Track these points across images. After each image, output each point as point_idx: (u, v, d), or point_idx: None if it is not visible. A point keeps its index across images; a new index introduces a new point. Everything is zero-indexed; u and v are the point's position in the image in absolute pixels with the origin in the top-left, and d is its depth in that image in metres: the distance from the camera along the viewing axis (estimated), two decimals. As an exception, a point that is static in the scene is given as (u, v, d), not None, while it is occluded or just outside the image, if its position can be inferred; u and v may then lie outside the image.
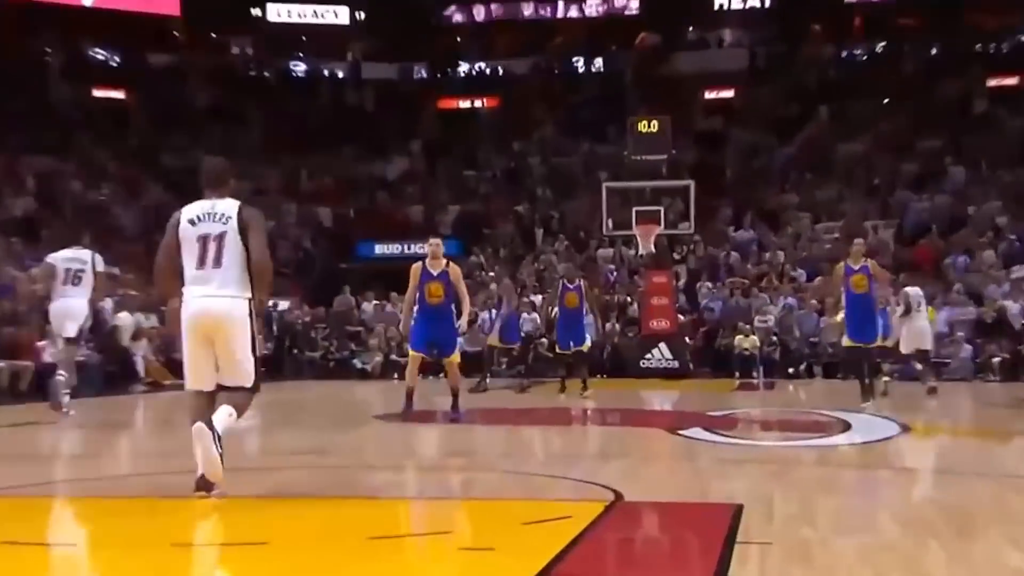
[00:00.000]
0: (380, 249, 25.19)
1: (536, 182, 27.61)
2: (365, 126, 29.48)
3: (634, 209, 18.47)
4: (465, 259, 24.25)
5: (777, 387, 16.06)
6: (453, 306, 9.59)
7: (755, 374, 18.25)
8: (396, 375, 18.85)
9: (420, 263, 9.57)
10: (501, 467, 6.63)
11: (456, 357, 9.52)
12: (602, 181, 21.05)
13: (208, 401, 5.23)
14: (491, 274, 22.31)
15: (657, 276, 18.58)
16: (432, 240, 9.71)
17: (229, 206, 5.40)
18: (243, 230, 5.34)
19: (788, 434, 8.92)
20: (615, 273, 22.26)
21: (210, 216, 5.38)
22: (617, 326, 19.68)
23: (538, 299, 19.69)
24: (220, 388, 5.24)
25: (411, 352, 9.56)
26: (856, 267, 11.11)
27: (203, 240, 5.33)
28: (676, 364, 17.94)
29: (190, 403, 5.28)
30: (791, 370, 17.76)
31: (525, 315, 19.59)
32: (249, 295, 5.33)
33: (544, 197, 26.87)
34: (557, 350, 13.59)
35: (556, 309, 13.35)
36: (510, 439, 8.69)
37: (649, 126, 18.58)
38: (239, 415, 5.21)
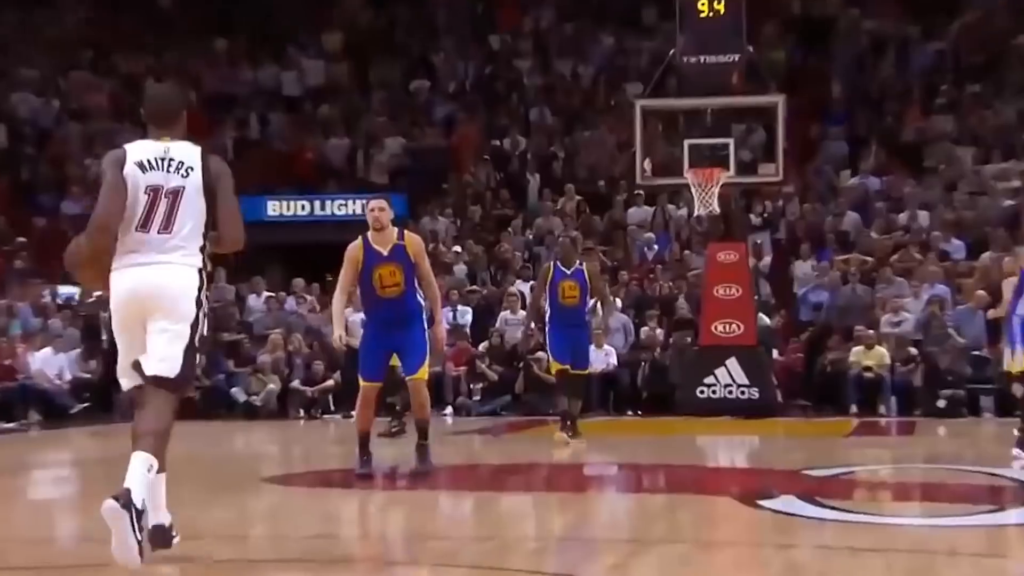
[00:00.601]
0: (275, 208, 25.37)
1: (528, 100, 27.72)
2: (252, 8, 29.42)
3: (686, 143, 18.50)
4: (414, 225, 24.39)
5: (920, 429, 16.13)
6: (418, 299, 9.87)
7: (884, 408, 18.39)
8: (302, 412, 18.96)
9: (360, 240, 9.88)
10: (470, 558, 6.66)
11: (424, 374, 9.82)
12: (634, 98, 21.06)
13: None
14: (457, 250, 22.57)
15: (724, 252, 18.62)
16: (372, 204, 9.93)
17: (189, 153, 6.06)
18: (208, 188, 6.01)
19: (938, 506, 9.14)
20: (655, 248, 22.31)
21: (163, 163, 6.01)
22: (659, 333, 19.77)
23: (528, 288, 19.75)
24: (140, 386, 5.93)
25: (362, 381, 9.83)
26: None
27: (152, 193, 5.98)
28: (756, 393, 18.03)
29: (135, 402, 5.96)
30: (942, 402, 17.83)
31: (509, 315, 19.76)
32: (201, 265, 6.00)
33: (541, 124, 26.96)
34: (554, 366, 13.73)
35: (547, 307, 13.52)
36: (489, 514, 8.75)
37: (712, 8, 18.51)
38: (160, 453, 5.80)
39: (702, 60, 18.47)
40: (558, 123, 26.90)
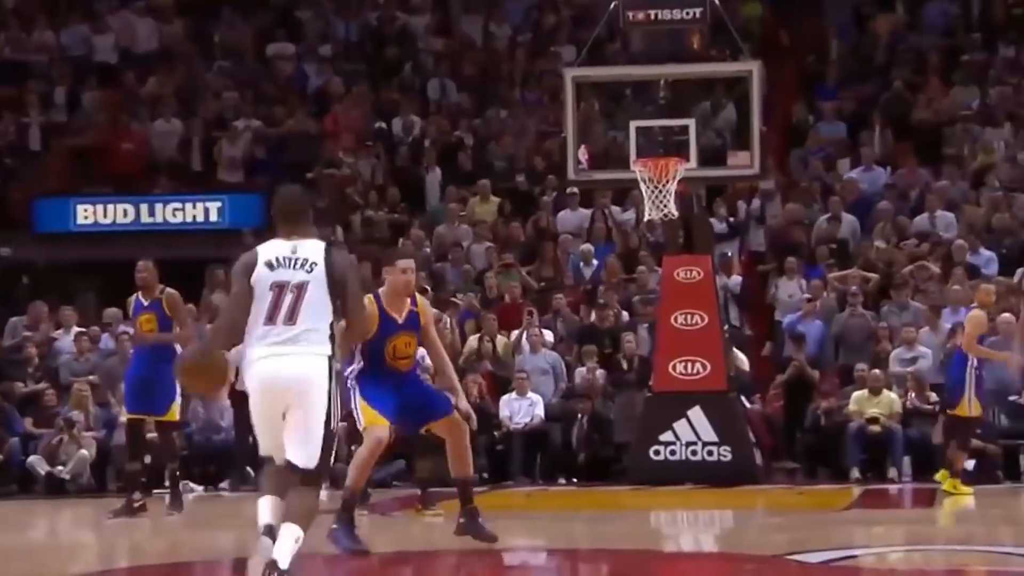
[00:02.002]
0: (87, 214, 25.19)
1: (424, 70, 27.76)
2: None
3: (633, 127, 18.61)
4: (271, 238, 24.16)
5: (941, 499, 16.17)
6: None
7: (894, 472, 18.54)
8: (136, 495, 18.73)
9: (373, 299, 10.78)
10: None
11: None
12: (564, 67, 21.13)
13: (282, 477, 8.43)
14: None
15: (684, 269, 18.74)
16: (405, 264, 11.24)
17: (315, 250, 8.47)
18: (332, 281, 8.38)
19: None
20: (595, 263, 22.40)
21: (290, 261, 8.41)
22: (600, 375, 19.84)
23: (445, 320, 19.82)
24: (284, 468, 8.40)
25: (376, 425, 10.88)
26: None
27: (278, 289, 8.36)
28: (728, 453, 18.11)
29: (266, 471, 8.61)
30: (971, 463, 18.02)
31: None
32: (329, 354, 8.34)
33: (442, 102, 26.98)
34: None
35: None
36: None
37: (665, -51, 18.72)
38: (305, 529, 8.24)
39: (652, 16, 18.60)
40: (465, 100, 26.91)
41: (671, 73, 18.98)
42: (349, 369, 10.86)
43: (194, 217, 25.13)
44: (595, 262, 22.32)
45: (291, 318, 8.29)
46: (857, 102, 25.54)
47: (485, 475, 17.62)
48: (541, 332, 20.26)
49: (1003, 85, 24.99)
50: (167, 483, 15.46)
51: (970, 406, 15.86)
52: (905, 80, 25.42)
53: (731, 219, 22.91)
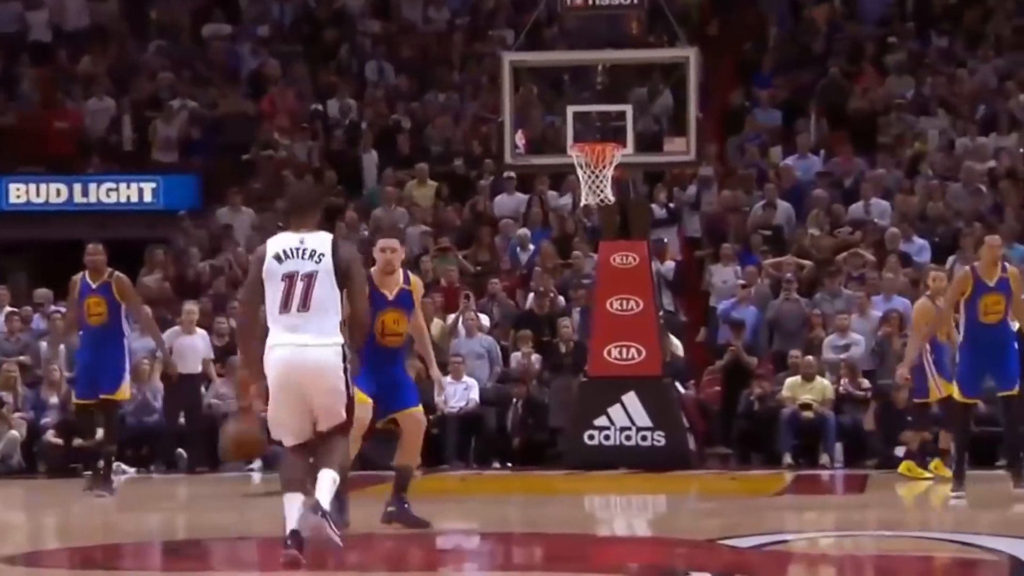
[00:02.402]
0: (19, 193, 25.10)
1: (362, 52, 27.72)
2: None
3: (570, 111, 18.65)
4: (206, 219, 24.15)
5: (873, 485, 16.32)
6: None
7: (826, 458, 18.66)
8: (86, 474, 18.56)
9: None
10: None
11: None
12: (502, 51, 21.10)
13: (306, 454, 9.13)
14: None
15: (620, 254, 18.79)
16: (385, 243, 11.58)
17: (321, 241, 9.15)
18: (339, 271, 9.07)
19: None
20: (531, 248, 22.42)
21: (298, 252, 9.09)
22: (535, 360, 19.85)
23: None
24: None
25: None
26: (991, 282, 13.67)
27: (288, 279, 9.05)
28: (662, 438, 18.18)
29: (287, 461, 9.16)
30: (900, 450, 18.16)
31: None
32: (340, 340, 9.07)
33: (380, 84, 26.94)
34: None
35: None
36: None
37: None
38: (340, 473, 9.16)
39: (591, 2, 18.61)
40: (403, 83, 26.85)
41: (609, 58, 19.01)
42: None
43: (128, 197, 24.97)
44: (532, 247, 22.32)
45: (304, 305, 8.99)
46: (793, 90, 25.65)
47: (419, 459, 17.57)
48: (477, 316, 20.24)
49: (937, 75, 25.15)
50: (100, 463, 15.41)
51: (940, 389, 15.85)
52: (841, 69, 25.55)
53: (670, 205, 22.95)
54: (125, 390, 15.24)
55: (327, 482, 8.96)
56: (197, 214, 24.17)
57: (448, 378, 19.24)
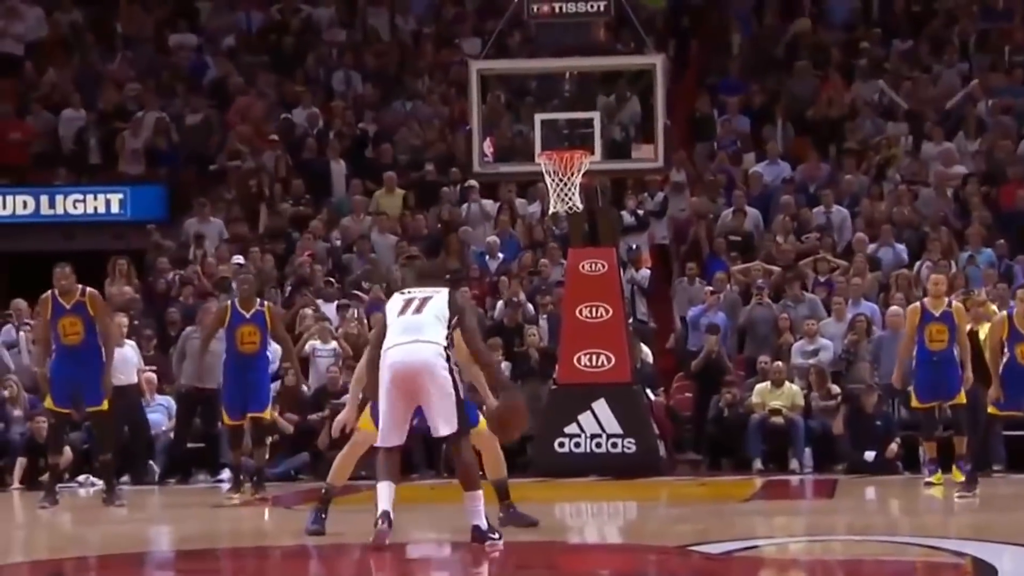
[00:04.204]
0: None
1: (329, 62, 27.72)
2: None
3: (538, 119, 18.66)
4: (174, 230, 24.09)
5: (842, 490, 16.36)
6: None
7: (796, 463, 18.70)
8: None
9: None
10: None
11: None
12: (469, 59, 21.11)
13: (397, 457, 10.73)
14: (238, 260, 22.28)
15: (589, 261, 18.83)
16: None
17: (438, 288, 10.81)
18: (451, 307, 10.58)
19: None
20: (500, 256, 22.44)
21: (419, 292, 10.75)
22: (504, 368, 19.78)
23: (333, 310, 19.69)
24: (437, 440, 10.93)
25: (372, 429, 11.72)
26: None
27: (408, 300, 10.68)
28: (632, 445, 18.21)
29: (380, 462, 10.61)
30: (871, 454, 18.23)
31: (319, 344, 19.75)
32: (447, 345, 10.49)
33: (347, 93, 26.91)
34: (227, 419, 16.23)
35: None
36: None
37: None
38: (475, 486, 10.62)
39: (557, 9, 18.68)
40: (369, 92, 26.84)
41: (576, 66, 19.05)
42: None
43: (95, 209, 24.90)
44: (500, 255, 22.33)
45: (419, 310, 10.53)
46: (759, 96, 25.70)
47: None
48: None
49: (902, 79, 25.23)
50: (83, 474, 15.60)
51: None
52: (806, 76, 25.60)
53: (639, 212, 22.97)
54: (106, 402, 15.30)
55: (473, 503, 10.56)
56: (164, 225, 24.12)
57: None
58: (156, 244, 23.44)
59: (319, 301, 21.02)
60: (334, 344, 19.73)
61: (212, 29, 28.44)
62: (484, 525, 10.54)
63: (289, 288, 21.89)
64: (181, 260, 23.04)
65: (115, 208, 24.94)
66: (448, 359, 10.41)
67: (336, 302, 21.00)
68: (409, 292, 10.79)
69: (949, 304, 15.97)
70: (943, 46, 25.87)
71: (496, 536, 10.59)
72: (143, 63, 27.60)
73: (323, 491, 12.11)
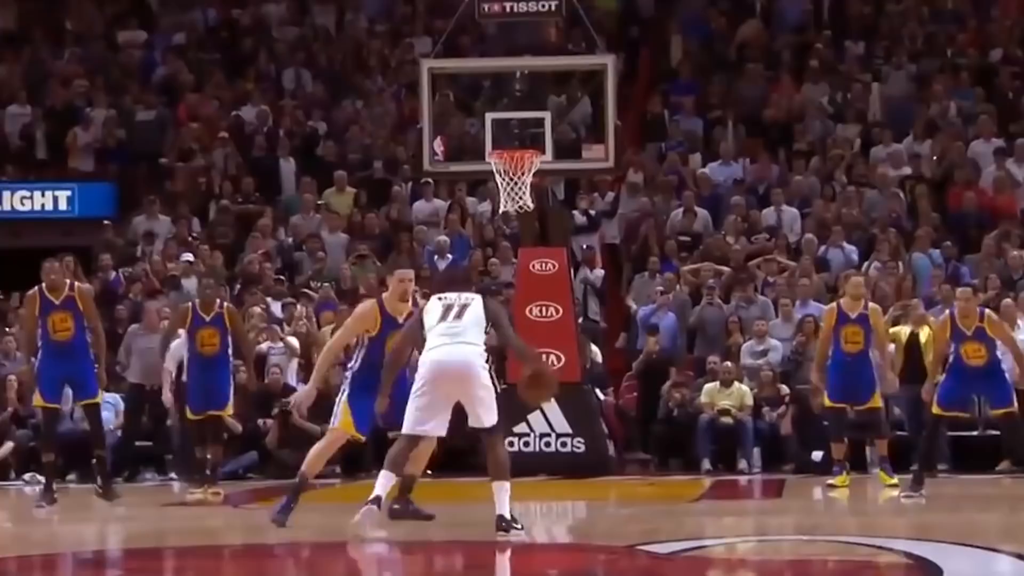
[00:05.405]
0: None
1: (279, 59, 27.67)
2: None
3: (488, 118, 18.67)
4: (124, 227, 23.99)
5: (790, 490, 16.46)
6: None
7: (744, 463, 18.76)
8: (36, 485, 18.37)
9: (376, 304, 12.48)
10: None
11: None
12: (420, 57, 21.09)
13: (408, 453, 11.67)
14: (187, 258, 22.20)
15: (539, 261, 18.85)
16: (405, 275, 12.75)
17: (473, 294, 11.58)
18: (487, 312, 11.40)
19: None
20: (449, 256, 22.39)
21: (455, 296, 11.45)
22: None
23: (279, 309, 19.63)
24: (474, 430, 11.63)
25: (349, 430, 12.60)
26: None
27: (446, 308, 11.37)
28: (581, 445, 18.25)
29: (397, 447, 11.56)
30: (818, 455, 18.28)
31: (270, 345, 19.67)
32: (484, 347, 11.37)
33: (297, 91, 26.86)
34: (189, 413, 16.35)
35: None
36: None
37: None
38: (507, 478, 11.29)
39: (508, 9, 18.67)
40: (319, 90, 26.80)
41: (527, 65, 19.05)
42: (349, 366, 12.55)
43: (43, 206, 24.78)
44: (450, 255, 22.29)
45: (459, 316, 11.28)
46: (711, 98, 25.76)
47: (337, 468, 17.52)
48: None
49: (853, 82, 25.34)
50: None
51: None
52: (757, 77, 25.69)
53: (590, 212, 22.98)
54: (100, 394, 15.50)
55: (504, 495, 11.21)
56: (113, 222, 24.00)
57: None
58: (107, 241, 23.32)
59: (268, 299, 20.93)
60: (287, 343, 19.67)
61: (162, 26, 28.31)
62: (508, 515, 11.09)
63: (238, 286, 21.79)
64: (130, 258, 22.93)
65: (63, 205, 24.83)
66: (488, 360, 11.38)
67: (282, 300, 20.93)
68: (446, 298, 11.42)
69: (866, 306, 16.03)
70: (893, 48, 26.00)
71: (519, 526, 11.19)
72: (93, 60, 27.46)
73: (296, 480, 12.46)
